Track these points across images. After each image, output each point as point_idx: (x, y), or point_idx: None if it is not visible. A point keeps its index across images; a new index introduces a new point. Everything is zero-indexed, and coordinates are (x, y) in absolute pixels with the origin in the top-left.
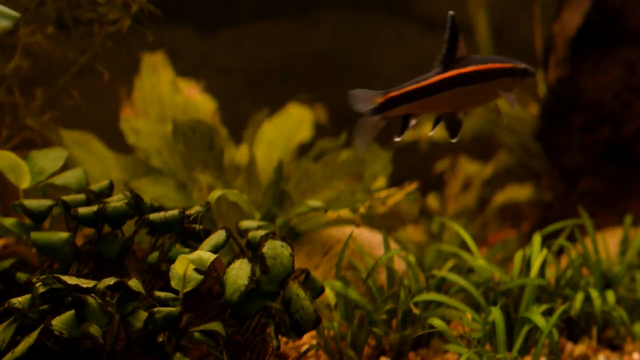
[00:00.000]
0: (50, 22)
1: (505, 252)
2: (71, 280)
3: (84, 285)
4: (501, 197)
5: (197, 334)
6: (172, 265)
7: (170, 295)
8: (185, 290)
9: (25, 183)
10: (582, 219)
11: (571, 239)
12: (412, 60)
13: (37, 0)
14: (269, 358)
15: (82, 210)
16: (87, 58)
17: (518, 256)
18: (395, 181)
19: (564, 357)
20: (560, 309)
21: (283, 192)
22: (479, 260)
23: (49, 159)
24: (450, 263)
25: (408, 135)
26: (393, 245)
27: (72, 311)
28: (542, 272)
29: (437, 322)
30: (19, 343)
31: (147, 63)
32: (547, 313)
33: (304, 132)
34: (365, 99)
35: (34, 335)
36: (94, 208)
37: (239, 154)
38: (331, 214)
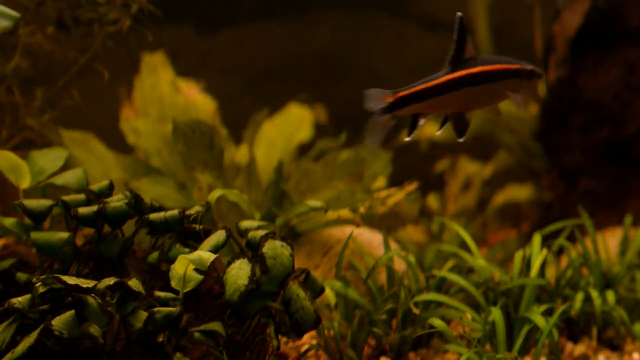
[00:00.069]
0: (50, 22)
1: (505, 252)
2: (71, 280)
3: (84, 285)
4: (501, 197)
5: (197, 334)
6: (172, 265)
7: (170, 295)
8: (185, 290)
9: (25, 183)
10: (582, 219)
11: (571, 239)
12: (412, 60)
13: (37, 0)
14: (269, 358)
15: (82, 210)
16: (87, 58)
17: (518, 256)
18: (395, 181)
19: (564, 357)
20: (560, 309)
21: (283, 192)
22: (479, 260)
23: (49, 159)
24: (450, 263)
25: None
26: (393, 245)
27: (72, 311)
28: (542, 272)
29: (437, 322)
30: (19, 343)
31: (147, 63)
32: (547, 313)
33: (304, 132)
34: (377, 98)
35: (34, 335)
36: (94, 208)
37: (239, 154)
38: (331, 214)
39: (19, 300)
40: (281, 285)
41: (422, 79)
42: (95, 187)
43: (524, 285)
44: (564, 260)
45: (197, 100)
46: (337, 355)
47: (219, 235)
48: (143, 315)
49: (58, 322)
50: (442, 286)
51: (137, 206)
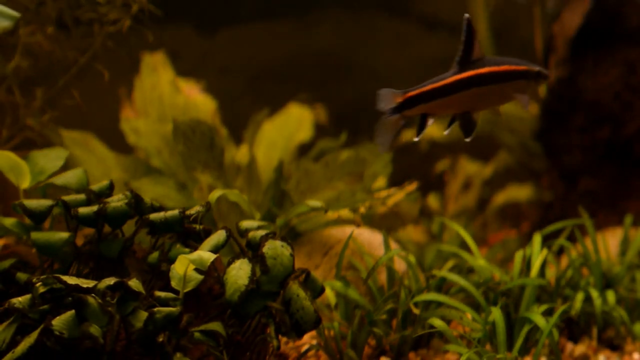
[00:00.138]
0: (51, 22)
1: (506, 252)
2: (71, 280)
3: (84, 285)
4: (501, 197)
5: (197, 334)
6: (172, 265)
7: (170, 295)
8: (185, 290)
9: (25, 183)
10: (582, 219)
11: (571, 239)
12: (412, 60)
13: (37, 0)
14: (269, 358)
15: (83, 210)
16: (87, 58)
17: (518, 256)
18: (395, 181)
19: (564, 357)
20: (560, 309)
21: (283, 192)
22: (479, 260)
23: (49, 159)
24: (450, 263)
25: (408, 135)
26: (393, 245)
27: (73, 311)
28: (542, 272)
29: (437, 322)
30: (19, 343)
31: (147, 63)
32: (548, 313)
33: (304, 132)
34: (387, 99)
35: (34, 335)
36: (94, 208)
37: (239, 154)
38: (331, 214)
39: (19, 300)
40: (281, 285)
41: (431, 79)
42: (95, 187)
43: (524, 285)
44: (564, 260)
45: (197, 100)
46: (338, 355)
47: (219, 235)
48: (143, 315)
49: (58, 322)
50: (442, 286)
51: (138, 206)
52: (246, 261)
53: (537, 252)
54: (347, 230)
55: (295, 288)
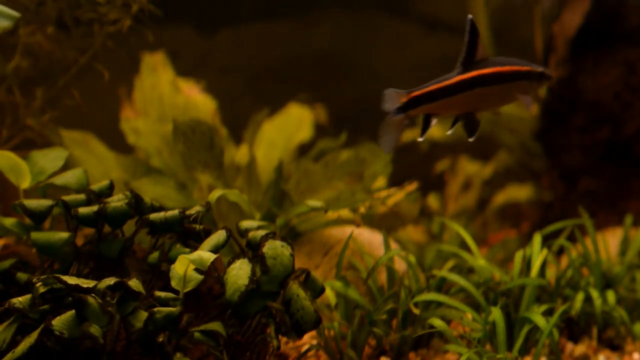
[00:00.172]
0: (51, 22)
1: (506, 252)
2: (71, 280)
3: (85, 285)
4: (501, 197)
5: (197, 334)
6: (172, 265)
7: (170, 295)
8: (185, 290)
9: (25, 183)
10: (582, 219)
11: (571, 239)
12: (412, 60)
13: (37, 0)
14: (269, 358)
15: (83, 210)
16: (87, 58)
17: (518, 256)
18: (395, 181)
19: (564, 357)
20: (560, 309)
21: (283, 192)
22: (479, 260)
23: (49, 159)
24: (450, 263)
25: (408, 135)
26: (393, 245)
27: (73, 311)
28: (542, 272)
29: (437, 322)
30: (19, 343)
31: (147, 63)
32: (548, 313)
33: (304, 132)
34: (392, 99)
35: (34, 335)
36: (94, 208)
37: (239, 154)
38: (331, 214)
39: (20, 300)
40: (281, 285)
41: (434, 79)
42: (95, 187)
43: (524, 285)
44: (564, 260)
45: (197, 100)
46: (338, 355)
47: (219, 235)
48: (143, 315)
49: (58, 322)
50: (443, 286)
51: (138, 206)
52: (246, 261)
53: (537, 252)
54: (347, 230)
55: (296, 288)
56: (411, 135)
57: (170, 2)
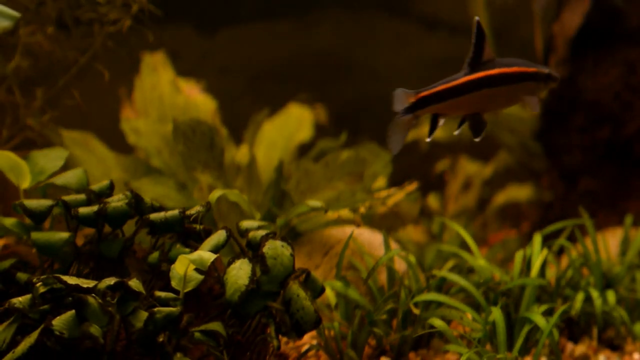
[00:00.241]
0: (51, 22)
1: (506, 252)
2: (72, 280)
3: (85, 285)
4: (501, 197)
5: (197, 334)
6: (172, 265)
7: (170, 295)
8: (185, 290)
9: (25, 183)
10: (583, 219)
11: (571, 239)
12: (412, 60)
13: (37, 0)
14: (270, 358)
15: (83, 210)
16: (87, 58)
17: (518, 256)
18: (395, 181)
19: (564, 357)
20: (560, 309)
21: (283, 192)
22: (479, 260)
23: (49, 159)
24: (450, 263)
25: (409, 136)
26: (393, 245)
27: (73, 311)
28: (542, 272)
29: (437, 322)
30: (19, 343)
31: (147, 63)
32: (548, 313)
33: (304, 132)
34: (401, 99)
35: (34, 335)
36: (95, 208)
37: (239, 154)
38: (331, 214)
39: (20, 300)
40: (281, 285)
41: (442, 79)
42: (95, 187)
43: (525, 285)
44: (565, 260)
45: (197, 100)
46: (338, 355)
47: (219, 235)
48: (143, 315)
49: (58, 322)
50: (443, 286)
51: (138, 206)
52: (246, 261)
53: (537, 252)
54: (347, 230)
55: (296, 288)
56: (411, 135)
57: (170, 2)
